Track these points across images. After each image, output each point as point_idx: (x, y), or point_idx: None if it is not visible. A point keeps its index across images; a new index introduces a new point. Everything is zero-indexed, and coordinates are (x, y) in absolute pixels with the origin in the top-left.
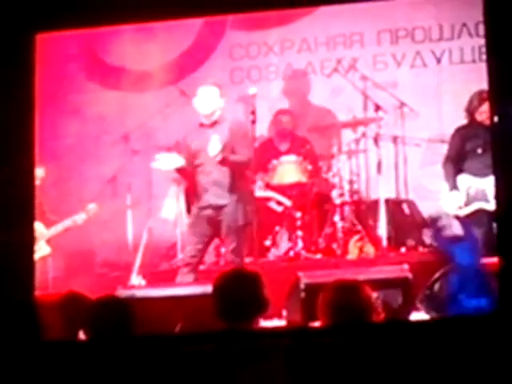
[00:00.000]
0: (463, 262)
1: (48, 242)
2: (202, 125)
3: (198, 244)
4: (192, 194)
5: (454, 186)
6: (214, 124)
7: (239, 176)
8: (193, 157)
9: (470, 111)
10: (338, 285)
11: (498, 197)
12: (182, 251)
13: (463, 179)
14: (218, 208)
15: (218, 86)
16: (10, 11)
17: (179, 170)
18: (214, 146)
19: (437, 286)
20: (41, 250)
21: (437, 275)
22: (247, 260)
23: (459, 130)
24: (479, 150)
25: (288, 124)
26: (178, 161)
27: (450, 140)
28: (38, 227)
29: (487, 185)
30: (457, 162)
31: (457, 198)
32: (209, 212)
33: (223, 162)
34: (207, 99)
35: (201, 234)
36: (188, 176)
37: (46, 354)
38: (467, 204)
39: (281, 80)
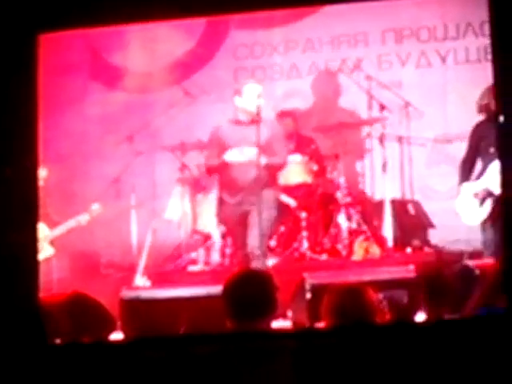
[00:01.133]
0: None
1: (52, 243)
2: (238, 122)
3: (243, 247)
4: (225, 191)
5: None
6: (252, 122)
7: (274, 175)
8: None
9: (487, 106)
10: (342, 288)
11: (505, 197)
12: (187, 252)
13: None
14: (252, 204)
15: (261, 85)
16: (13, 11)
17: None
18: (249, 149)
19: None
20: (44, 251)
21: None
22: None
23: (476, 127)
24: (491, 149)
25: (288, 126)
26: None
27: (468, 138)
28: (41, 228)
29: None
30: (471, 165)
31: (475, 207)
32: (242, 209)
33: (267, 167)
34: (253, 97)
35: (238, 234)
36: (222, 172)
37: (52, 357)
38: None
39: (285, 80)
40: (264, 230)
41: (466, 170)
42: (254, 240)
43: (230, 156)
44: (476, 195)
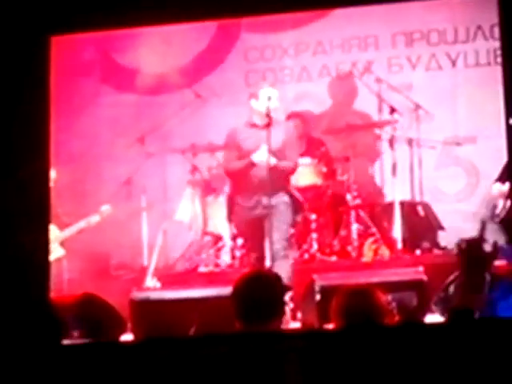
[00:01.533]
0: None
1: (62, 244)
2: (254, 125)
3: (256, 250)
4: (238, 194)
5: None
6: (268, 125)
7: (287, 178)
8: (243, 157)
9: None
10: (351, 290)
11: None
12: (198, 254)
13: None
14: (268, 207)
15: (276, 89)
16: (26, 14)
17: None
18: (262, 152)
19: (452, 289)
20: (54, 251)
21: (452, 277)
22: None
23: None
24: None
25: (298, 128)
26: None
27: None
28: (51, 229)
29: None
30: None
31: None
32: (257, 212)
33: (274, 168)
34: (270, 100)
35: (252, 237)
36: (236, 176)
37: (63, 357)
38: None
39: (296, 83)
40: (284, 233)
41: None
42: (276, 244)
43: (256, 157)
44: (501, 195)
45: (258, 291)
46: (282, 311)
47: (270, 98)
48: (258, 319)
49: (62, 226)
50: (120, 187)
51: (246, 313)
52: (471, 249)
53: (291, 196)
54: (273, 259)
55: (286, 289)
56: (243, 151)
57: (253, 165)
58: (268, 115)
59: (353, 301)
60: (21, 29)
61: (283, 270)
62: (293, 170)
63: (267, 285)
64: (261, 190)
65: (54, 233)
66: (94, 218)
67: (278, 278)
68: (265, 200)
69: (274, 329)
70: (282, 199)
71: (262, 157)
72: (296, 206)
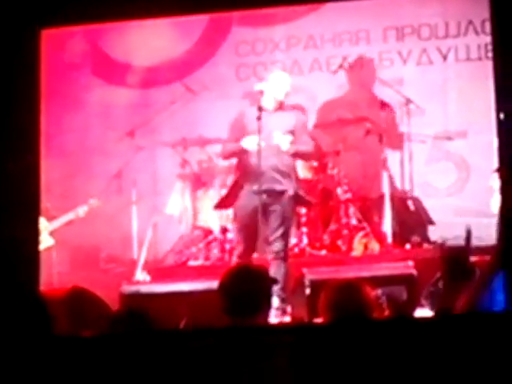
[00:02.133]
0: None
1: (51, 234)
2: (262, 109)
3: (248, 239)
4: (243, 177)
5: None
6: (277, 109)
7: (295, 165)
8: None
9: None
10: (339, 284)
11: (504, 195)
12: (187, 247)
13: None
14: (275, 194)
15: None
16: (16, 6)
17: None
18: (283, 138)
19: (441, 283)
20: (44, 241)
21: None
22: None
23: None
24: None
25: None
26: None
27: None
28: (41, 221)
29: None
30: None
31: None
32: (263, 198)
33: (295, 154)
34: (281, 84)
35: (249, 224)
36: (241, 159)
37: (55, 349)
38: None
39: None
40: (286, 233)
41: None
42: (277, 242)
43: (249, 142)
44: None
45: (244, 285)
46: (268, 305)
47: (281, 82)
48: (244, 313)
49: (51, 219)
50: (110, 181)
51: (232, 306)
52: (457, 261)
53: (297, 189)
54: (272, 257)
55: (273, 282)
56: (248, 134)
57: (244, 149)
58: (260, 109)
59: (341, 295)
60: (11, 22)
61: (280, 272)
62: (311, 156)
63: (254, 279)
64: (266, 175)
65: (43, 224)
66: (82, 209)
67: (265, 270)
68: (270, 184)
69: (261, 322)
70: (288, 193)
71: (252, 144)
72: (300, 200)
